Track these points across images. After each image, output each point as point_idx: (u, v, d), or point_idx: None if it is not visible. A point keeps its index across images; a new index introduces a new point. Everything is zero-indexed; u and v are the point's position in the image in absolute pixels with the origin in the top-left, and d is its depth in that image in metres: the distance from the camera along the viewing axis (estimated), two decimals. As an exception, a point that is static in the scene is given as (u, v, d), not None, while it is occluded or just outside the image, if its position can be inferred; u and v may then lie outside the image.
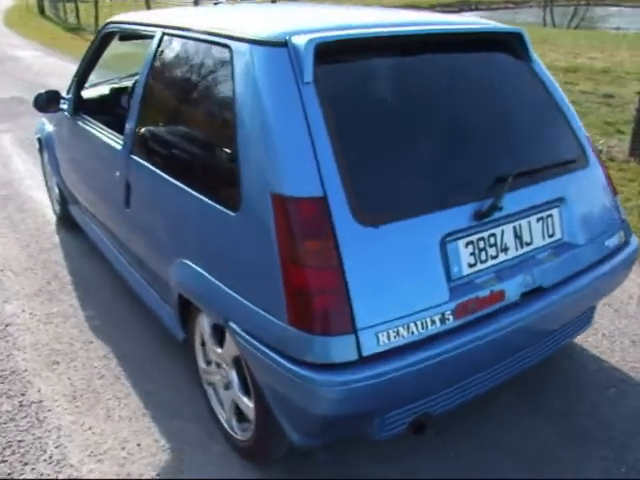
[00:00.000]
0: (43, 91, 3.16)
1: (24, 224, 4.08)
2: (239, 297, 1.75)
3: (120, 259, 2.79)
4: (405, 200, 1.74)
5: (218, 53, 1.95)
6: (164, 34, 2.32)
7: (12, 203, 4.43)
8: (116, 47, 3.27)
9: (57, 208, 4.02)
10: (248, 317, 1.73)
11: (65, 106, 3.24)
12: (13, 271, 3.46)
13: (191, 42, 2.13)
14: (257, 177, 1.69)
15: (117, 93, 3.54)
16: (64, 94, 3.29)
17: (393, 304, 1.66)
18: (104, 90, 3.51)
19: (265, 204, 1.65)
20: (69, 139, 3.35)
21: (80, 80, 3.22)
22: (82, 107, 3.23)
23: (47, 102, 3.15)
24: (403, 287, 1.68)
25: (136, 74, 3.59)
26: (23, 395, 2.45)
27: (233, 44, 1.86)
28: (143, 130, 2.36)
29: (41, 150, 4.07)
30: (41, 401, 2.41)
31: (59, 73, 9.36)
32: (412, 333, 1.67)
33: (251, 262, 1.72)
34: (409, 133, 1.82)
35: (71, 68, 10.13)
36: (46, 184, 4.21)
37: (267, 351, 1.67)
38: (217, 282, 1.85)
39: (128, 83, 3.58)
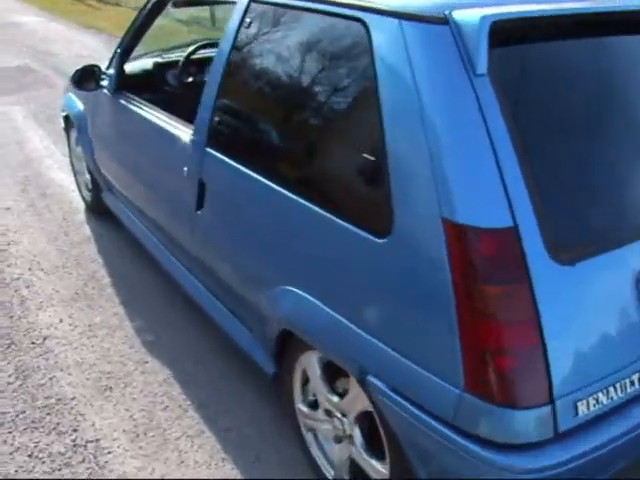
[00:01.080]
0: (81, 66, 2.73)
1: (49, 212, 3.66)
2: (385, 346, 1.37)
3: (180, 268, 2.39)
4: (602, 229, 1.36)
5: (344, 28, 1.54)
6: (252, 1, 1.89)
7: (33, 187, 4.00)
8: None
9: (86, 194, 3.61)
10: (398, 372, 1.36)
11: (105, 83, 2.81)
12: (44, 270, 3.07)
13: (297, 13, 1.71)
14: (419, 196, 1.29)
15: (176, 69, 3.09)
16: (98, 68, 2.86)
17: (593, 362, 1.30)
18: (154, 65, 3.06)
19: (432, 232, 1.26)
20: (109, 120, 2.93)
21: (124, 53, 2.78)
22: (126, 84, 2.80)
23: (87, 78, 2.72)
24: (601, 339, 1.31)
25: (189, 46, 3.18)
26: (75, 431, 2.07)
27: (370, 18, 1.44)
28: (227, 119, 1.95)
29: (67, 129, 3.63)
30: (98, 440, 2.04)
31: (65, 39, 8.82)
32: (611, 398, 1.31)
33: (407, 304, 1.33)
34: (610, 143, 1.42)
35: (76, 35, 9.70)
36: (72, 167, 3.78)
37: (425, 418, 1.31)
38: (348, 322, 1.46)
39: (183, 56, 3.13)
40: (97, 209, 3.53)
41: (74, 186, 3.88)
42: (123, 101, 2.73)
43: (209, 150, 1.98)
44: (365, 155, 1.42)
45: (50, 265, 3.10)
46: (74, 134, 3.54)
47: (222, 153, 1.92)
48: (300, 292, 1.60)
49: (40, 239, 3.36)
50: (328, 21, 1.59)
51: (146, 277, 2.95)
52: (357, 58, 1.49)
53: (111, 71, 2.79)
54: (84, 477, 1.90)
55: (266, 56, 1.85)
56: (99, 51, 7.93)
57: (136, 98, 2.67)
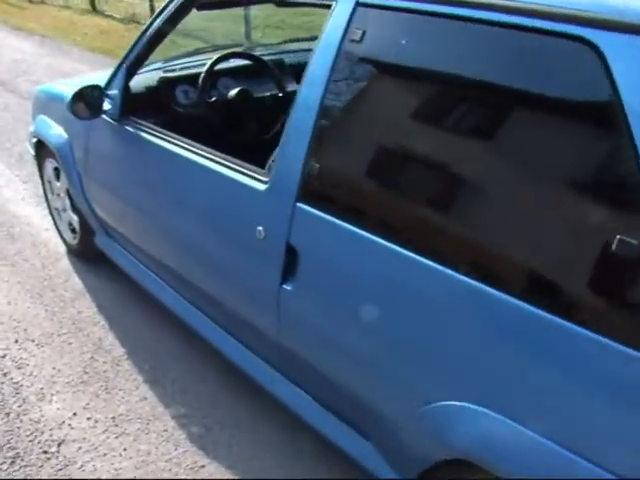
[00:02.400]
0: (78, 88, 2.13)
1: (23, 259, 3.02)
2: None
3: (244, 351, 1.87)
4: None
5: (552, 47, 1.07)
6: (359, 4, 1.39)
7: (-4, 227, 3.34)
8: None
9: (70, 237, 2.99)
10: None
11: (106, 106, 2.23)
12: (34, 341, 2.46)
13: (461, 24, 1.22)
14: None
15: (187, 84, 2.51)
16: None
17: None
18: (162, 81, 2.48)
19: None
20: (112, 154, 2.35)
21: (130, 70, 2.20)
22: (134, 108, 2.23)
23: (89, 104, 2.13)
24: None
25: (196, 54, 2.63)
26: None
27: (604, 37, 0.99)
28: (339, 165, 1.46)
29: (40, 158, 2.99)
30: None
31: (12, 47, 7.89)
32: None
33: None
34: None
35: (5, 38, 8.69)
36: (48, 203, 3.14)
37: None
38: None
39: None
40: (86, 254, 2.93)
41: (47, 223, 3.25)
42: (132, 129, 2.16)
43: (303, 206, 1.48)
44: (622, 237, 0.97)
45: (42, 333, 2.50)
46: (50, 165, 2.92)
47: (330, 211, 1.43)
48: (497, 416, 1.14)
49: (21, 298, 2.73)
50: (526, 38, 1.12)
51: (168, 344, 2.41)
52: (589, 89, 1.03)
53: (113, 92, 2.21)
54: None
55: (409, 79, 1.36)
56: (34, 54, 7.14)
57: (150, 126, 2.12)
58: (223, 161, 1.78)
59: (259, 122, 2.39)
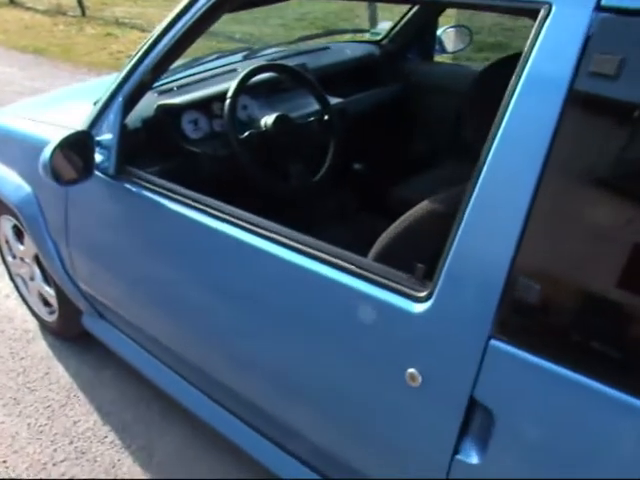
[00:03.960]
0: (59, 139, 1.44)
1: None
2: None
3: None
4: None
5: None
6: (603, 9, 0.80)
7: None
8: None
9: (43, 311, 2.30)
10: None
11: (99, 157, 1.55)
12: (21, 477, 1.80)
13: None
14: None
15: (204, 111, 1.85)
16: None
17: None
18: (165, 109, 1.78)
19: None
20: (108, 221, 1.68)
21: (131, 100, 1.53)
22: (134, 153, 1.58)
23: (74, 162, 1.46)
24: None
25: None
26: None
27: None
28: (577, 275, 0.88)
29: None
30: None
31: None
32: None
33: None
34: None
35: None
36: (7, 268, 2.42)
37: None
38: None
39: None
40: (67, 334, 2.26)
41: (6, 287, 2.54)
42: (133, 188, 1.51)
43: (507, 347, 0.90)
44: None
45: (30, 464, 1.84)
46: (6, 222, 2.21)
47: (565, 361, 0.85)
48: None
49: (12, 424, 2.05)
50: None
51: (205, 463, 1.79)
52: None
53: (105, 137, 1.54)
54: None
55: None
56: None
57: (157, 181, 1.48)
58: (304, 247, 1.17)
59: (303, 161, 1.77)
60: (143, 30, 6.92)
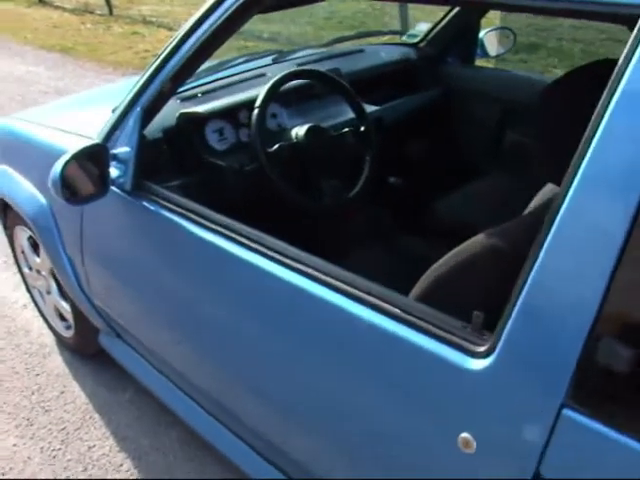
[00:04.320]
0: (70, 153, 1.32)
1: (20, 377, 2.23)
2: None
3: None
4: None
5: None
6: None
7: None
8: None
9: (59, 325, 2.20)
10: None
11: (113, 172, 1.43)
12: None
13: None
14: None
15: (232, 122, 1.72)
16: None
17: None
18: (186, 118, 1.65)
19: None
20: (125, 240, 1.56)
21: (151, 109, 1.41)
22: (153, 167, 1.46)
23: (90, 176, 1.34)
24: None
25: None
26: None
27: None
28: None
29: (6, 219, 2.18)
30: None
31: None
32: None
33: None
34: None
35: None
36: (23, 277, 2.33)
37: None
38: None
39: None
40: (85, 351, 2.16)
41: (23, 297, 2.45)
42: (152, 207, 1.38)
43: (581, 418, 0.75)
44: None
45: (39, 494, 1.74)
46: (22, 233, 2.11)
47: None
48: None
49: (0, 429, 1.94)
50: None
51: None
52: None
53: (122, 150, 1.42)
54: None
55: None
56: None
57: (178, 200, 1.34)
58: (338, 282, 1.03)
59: (337, 175, 1.63)
60: (170, 29, 6.85)
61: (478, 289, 0.96)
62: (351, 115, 1.82)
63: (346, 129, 1.67)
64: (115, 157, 1.40)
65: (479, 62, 2.46)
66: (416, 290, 1.04)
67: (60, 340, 2.26)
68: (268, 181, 1.52)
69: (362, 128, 1.69)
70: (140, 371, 1.81)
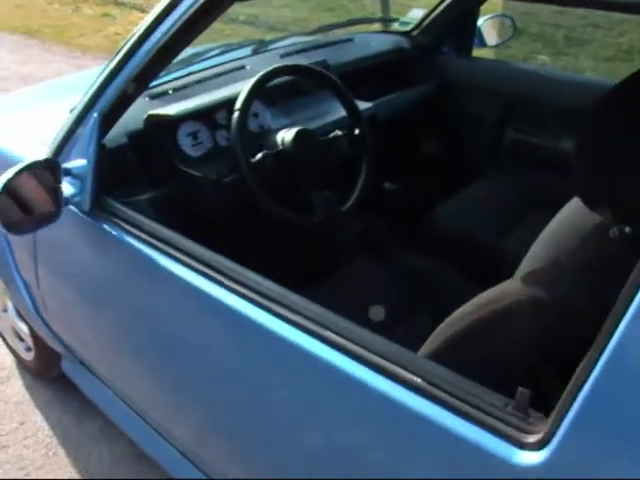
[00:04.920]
0: (8, 174, 1.08)
1: None
2: None
3: None
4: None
5: None
6: None
7: None
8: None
9: (19, 346, 1.98)
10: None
11: (68, 189, 1.21)
12: None
13: None
14: None
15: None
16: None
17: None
18: (153, 121, 1.43)
19: None
20: (84, 265, 1.34)
21: (111, 116, 1.19)
22: (115, 178, 1.25)
23: (38, 200, 1.12)
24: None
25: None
26: None
27: None
28: None
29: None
30: None
31: None
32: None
33: None
34: None
35: None
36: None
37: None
38: None
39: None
40: (46, 375, 1.95)
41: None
42: (113, 230, 1.17)
43: None
44: None
45: None
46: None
47: None
48: None
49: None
50: None
51: None
52: None
53: (78, 164, 1.19)
54: None
55: None
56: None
57: (142, 220, 1.14)
58: (339, 337, 0.83)
59: (330, 185, 1.43)
60: (143, 10, 6.52)
61: (519, 354, 0.77)
62: (341, 113, 1.62)
63: (339, 132, 1.46)
64: (69, 172, 1.18)
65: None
66: (429, 346, 0.85)
67: (20, 362, 2.04)
68: (251, 194, 1.32)
69: (357, 131, 1.48)
70: (105, 402, 1.61)
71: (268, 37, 2.03)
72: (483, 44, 2.16)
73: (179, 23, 1.03)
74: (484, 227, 1.75)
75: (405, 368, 0.76)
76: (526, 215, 1.82)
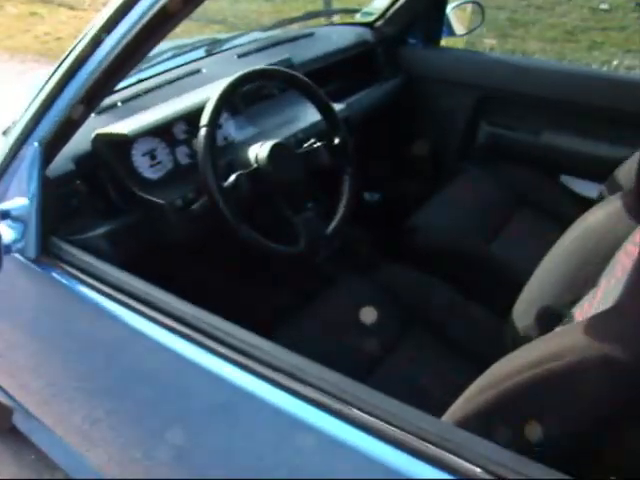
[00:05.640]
0: None
1: None
2: None
3: None
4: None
5: None
6: None
7: None
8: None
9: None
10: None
11: (7, 233, 1.01)
12: None
13: None
14: None
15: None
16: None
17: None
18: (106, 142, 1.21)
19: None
20: (23, 319, 1.14)
21: (54, 145, 0.99)
22: (63, 214, 1.06)
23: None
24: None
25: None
26: None
27: None
28: None
29: None
30: None
31: None
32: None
33: None
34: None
35: None
36: None
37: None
38: None
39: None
40: (0, 427, 1.73)
41: None
42: (64, 279, 0.99)
43: None
44: None
45: None
46: None
47: None
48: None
49: None
50: None
51: None
52: None
53: (17, 204, 0.99)
54: None
55: None
56: None
57: (96, 266, 0.96)
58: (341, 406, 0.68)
59: (312, 205, 1.27)
60: (72, 8, 6.17)
61: (590, 418, 0.64)
62: (312, 117, 1.47)
63: (317, 143, 1.30)
64: (7, 215, 0.98)
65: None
66: (462, 409, 0.71)
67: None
68: (224, 222, 1.14)
69: (336, 140, 1.32)
70: (63, 460, 1.42)
71: (208, 31, 1.85)
72: (452, 33, 2.03)
73: (137, 28, 0.85)
74: (470, 233, 1.63)
75: (436, 444, 0.62)
76: (511, 214, 1.72)
